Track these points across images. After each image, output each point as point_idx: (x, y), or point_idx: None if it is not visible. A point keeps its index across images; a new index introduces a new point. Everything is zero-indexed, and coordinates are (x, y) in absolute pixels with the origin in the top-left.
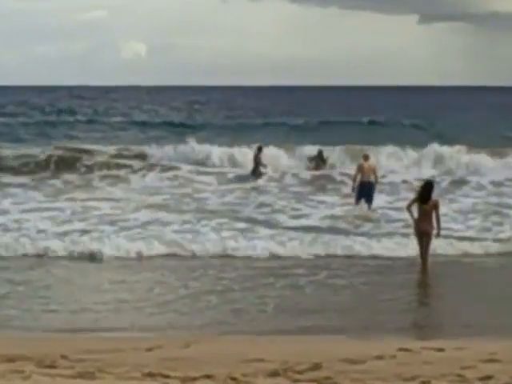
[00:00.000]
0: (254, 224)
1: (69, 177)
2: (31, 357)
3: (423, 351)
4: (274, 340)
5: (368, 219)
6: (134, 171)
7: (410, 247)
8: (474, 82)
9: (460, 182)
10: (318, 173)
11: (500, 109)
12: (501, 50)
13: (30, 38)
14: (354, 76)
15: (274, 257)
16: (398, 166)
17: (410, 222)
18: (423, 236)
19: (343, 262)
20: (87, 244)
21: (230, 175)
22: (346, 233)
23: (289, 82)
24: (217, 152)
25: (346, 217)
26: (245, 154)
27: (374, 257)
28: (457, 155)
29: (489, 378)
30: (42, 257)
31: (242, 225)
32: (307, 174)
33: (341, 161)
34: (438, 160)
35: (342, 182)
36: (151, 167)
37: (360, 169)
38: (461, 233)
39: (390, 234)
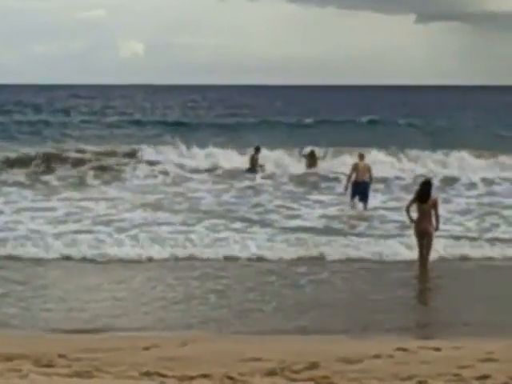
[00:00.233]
0: (249, 224)
1: (60, 176)
2: (29, 356)
3: (420, 351)
4: (271, 339)
5: (363, 219)
6: (126, 171)
7: (406, 248)
8: (471, 82)
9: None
10: (310, 171)
11: (496, 108)
12: (497, 49)
13: (29, 36)
14: (351, 75)
15: (270, 258)
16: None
17: (407, 222)
18: (423, 235)
19: (340, 262)
20: (83, 245)
21: (225, 174)
22: (342, 233)
23: (286, 81)
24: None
25: (341, 216)
26: (230, 158)
27: (371, 257)
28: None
29: (486, 377)
30: (40, 258)
31: (237, 225)
32: (302, 173)
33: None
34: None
35: (337, 180)
36: (143, 167)
37: (355, 168)
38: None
39: (386, 235)
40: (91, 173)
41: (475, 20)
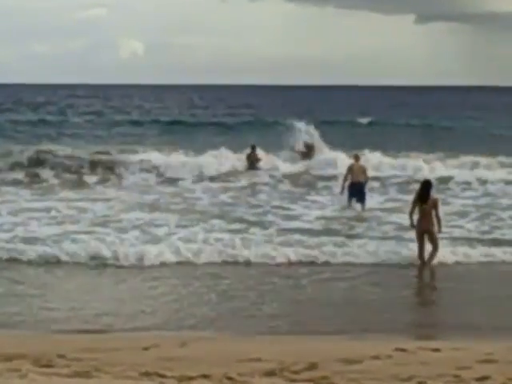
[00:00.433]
0: (247, 225)
1: (56, 175)
2: (28, 356)
3: (420, 351)
4: (270, 340)
5: (361, 220)
6: (122, 171)
7: (405, 249)
8: (471, 82)
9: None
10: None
11: (496, 109)
12: (498, 50)
13: (29, 35)
14: (350, 75)
15: (270, 260)
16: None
17: (408, 225)
18: (424, 235)
19: (338, 264)
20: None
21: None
22: (340, 235)
23: (286, 81)
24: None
25: (338, 218)
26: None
27: (370, 259)
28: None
29: (485, 378)
30: (39, 260)
31: (235, 226)
32: (298, 172)
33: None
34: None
35: (334, 179)
36: (140, 167)
37: (350, 169)
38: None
39: (383, 237)
40: (87, 173)
41: (475, 20)
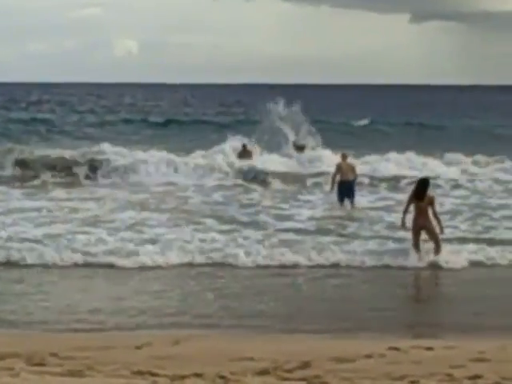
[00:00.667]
0: (240, 226)
1: (46, 175)
2: (20, 354)
3: (412, 350)
4: (263, 338)
5: (353, 219)
6: (115, 170)
7: (397, 247)
8: (466, 81)
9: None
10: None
11: (490, 107)
12: (492, 49)
13: (24, 34)
14: (345, 74)
15: (265, 260)
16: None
17: (398, 224)
18: (420, 232)
19: (332, 263)
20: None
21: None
22: (333, 235)
23: (281, 80)
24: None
25: (330, 217)
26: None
27: (364, 258)
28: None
29: (478, 377)
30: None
31: (227, 227)
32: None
33: None
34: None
35: (324, 175)
36: (133, 166)
37: (339, 168)
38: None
39: (376, 236)
40: (77, 171)
41: (470, 19)
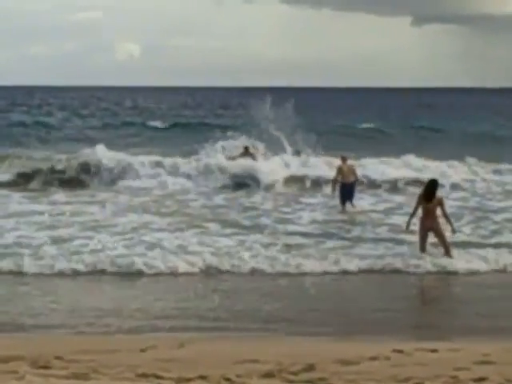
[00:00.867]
0: (244, 230)
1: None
2: (25, 357)
3: (417, 352)
4: (268, 341)
5: (356, 223)
6: (113, 174)
7: (402, 251)
8: (468, 84)
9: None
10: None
11: (490, 109)
12: (494, 51)
13: (25, 37)
14: (346, 77)
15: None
16: None
17: (403, 227)
18: (429, 233)
19: (338, 266)
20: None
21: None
22: (338, 238)
23: (282, 83)
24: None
25: (333, 221)
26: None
27: (367, 260)
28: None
29: (482, 379)
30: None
31: (232, 230)
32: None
33: None
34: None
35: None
36: (130, 170)
37: (340, 171)
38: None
39: (378, 238)
40: (74, 175)
41: (471, 22)
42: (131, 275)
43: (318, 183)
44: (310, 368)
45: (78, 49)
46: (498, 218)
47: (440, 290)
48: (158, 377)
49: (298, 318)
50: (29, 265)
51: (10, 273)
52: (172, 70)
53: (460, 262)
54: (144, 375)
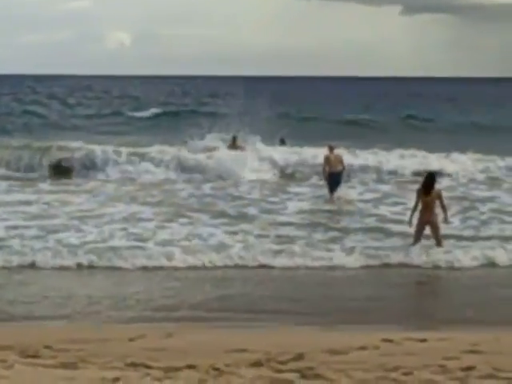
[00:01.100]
0: (233, 220)
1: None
2: (14, 346)
3: (406, 342)
4: (256, 330)
5: (344, 213)
6: (99, 163)
7: (391, 240)
8: (458, 73)
9: None
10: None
11: (480, 99)
12: (484, 41)
13: (15, 27)
14: (335, 67)
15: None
16: None
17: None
18: (426, 225)
19: (328, 258)
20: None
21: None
22: (327, 229)
23: (272, 72)
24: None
25: (322, 211)
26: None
27: (357, 254)
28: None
29: (471, 368)
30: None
31: (220, 220)
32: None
33: None
34: None
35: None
36: (116, 159)
37: (327, 160)
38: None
39: (366, 228)
40: (58, 164)
41: (461, 11)
42: (119, 268)
43: (303, 172)
44: (299, 357)
45: (69, 38)
46: (485, 208)
47: (431, 281)
48: (146, 366)
49: (287, 308)
50: (17, 257)
51: None
52: (163, 59)
53: (451, 255)
54: (133, 364)
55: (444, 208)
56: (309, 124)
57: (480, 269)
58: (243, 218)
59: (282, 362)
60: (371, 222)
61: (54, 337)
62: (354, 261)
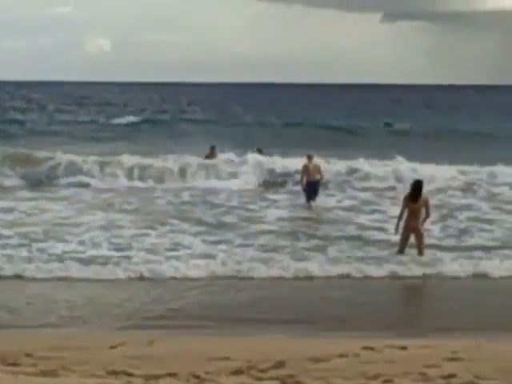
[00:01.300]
0: (212, 229)
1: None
2: None
3: (386, 349)
4: (237, 338)
5: (324, 221)
6: (79, 170)
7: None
8: (437, 81)
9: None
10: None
11: (458, 106)
12: (463, 48)
13: None
14: (316, 73)
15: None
16: None
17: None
18: (411, 232)
19: (308, 266)
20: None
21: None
22: (306, 237)
23: (253, 78)
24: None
25: (301, 219)
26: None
27: (340, 261)
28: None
29: (452, 376)
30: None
31: (198, 228)
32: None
33: None
34: None
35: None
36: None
37: (305, 169)
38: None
39: (347, 236)
40: (31, 172)
41: (441, 19)
42: (100, 280)
43: (279, 182)
44: (280, 365)
45: (48, 44)
46: (463, 216)
47: (412, 289)
48: (127, 374)
49: (268, 316)
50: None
51: None
52: (143, 65)
53: (434, 265)
54: (113, 372)
55: (427, 215)
56: (289, 130)
57: (462, 278)
58: (223, 226)
59: (262, 370)
60: (351, 230)
61: (35, 344)
62: (335, 269)
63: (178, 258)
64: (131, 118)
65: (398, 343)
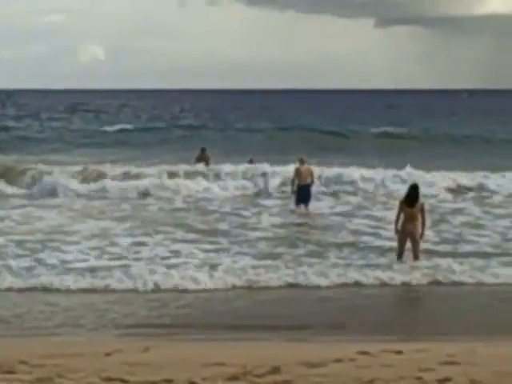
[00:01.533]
0: (206, 236)
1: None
2: None
3: (382, 354)
4: (233, 344)
5: (318, 227)
6: (69, 179)
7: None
8: (431, 85)
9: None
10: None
11: (450, 111)
12: (456, 53)
13: None
14: (310, 79)
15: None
16: None
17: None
18: (408, 237)
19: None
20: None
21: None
22: (305, 244)
23: (247, 85)
24: None
25: (294, 225)
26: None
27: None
28: None
29: (447, 380)
30: None
31: (192, 236)
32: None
33: None
34: None
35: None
36: (86, 175)
37: (297, 173)
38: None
39: (342, 243)
40: (25, 181)
41: (434, 24)
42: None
43: (271, 188)
44: (276, 371)
45: (42, 52)
46: (456, 221)
47: (408, 295)
48: (123, 381)
49: (264, 321)
50: None
51: None
52: (136, 73)
53: (429, 270)
54: (109, 379)
55: (424, 223)
56: (284, 135)
57: (458, 283)
58: (218, 233)
59: (258, 376)
60: (346, 235)
61: (30, 352)
62: (331, 275)
63: (173, 267)
64: (123, 126)
65: (393, 348)
